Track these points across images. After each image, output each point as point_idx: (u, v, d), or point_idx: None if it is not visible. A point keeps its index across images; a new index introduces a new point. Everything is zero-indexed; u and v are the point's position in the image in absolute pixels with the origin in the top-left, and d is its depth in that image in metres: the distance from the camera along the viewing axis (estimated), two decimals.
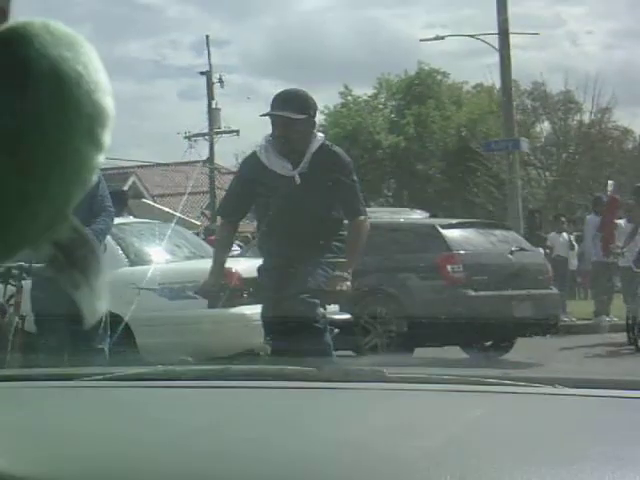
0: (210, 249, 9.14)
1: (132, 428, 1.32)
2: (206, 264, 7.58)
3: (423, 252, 9.62)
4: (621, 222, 12.19)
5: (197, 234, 14.48)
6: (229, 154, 49.53)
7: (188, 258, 8.27)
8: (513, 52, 18.27)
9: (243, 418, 1.39)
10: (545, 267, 11.18)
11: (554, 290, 10.96)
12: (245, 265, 7.40)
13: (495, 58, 18.88)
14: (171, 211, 25.63)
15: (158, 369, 1.81)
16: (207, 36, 30.85)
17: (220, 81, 29.91)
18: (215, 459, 1.11)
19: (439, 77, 37.59)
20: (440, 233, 9.74)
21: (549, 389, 1.49)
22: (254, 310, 7.22)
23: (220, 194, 29.93)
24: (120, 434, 1.26)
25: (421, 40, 25.69)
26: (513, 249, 10.38)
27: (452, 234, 9.89)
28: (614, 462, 1.02)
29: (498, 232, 10.93)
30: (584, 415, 1.37)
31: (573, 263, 15.09)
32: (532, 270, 10.45)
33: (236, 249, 12.90)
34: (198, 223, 23.40)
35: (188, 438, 1.21)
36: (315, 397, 1.57)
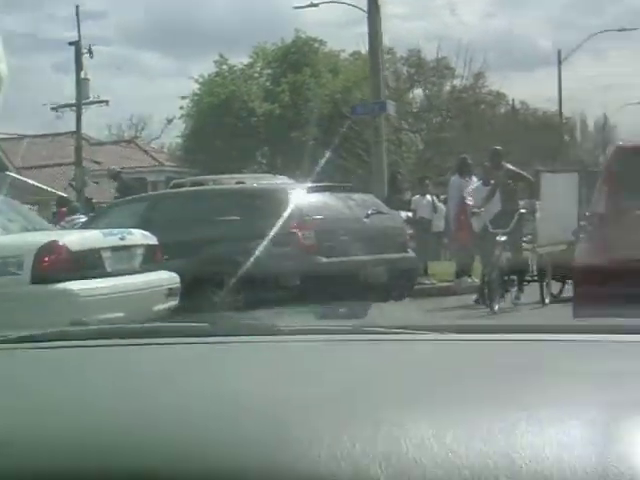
0: (45, 223, 8.81)
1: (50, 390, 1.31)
2: (34, 237, 7.33)
3: (275, 218, 9.06)
4: (477, 183, 12.39)
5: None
6: (102, 125, 48.41)
7: (15, 232, 7.91)
8: (393, 21, 18.37)
9: (132, 377, 1.39)
10: (402, 230, 11.14)
11: (410, 254, 11.00)
12: (75, 237, 7.12)
13: None
14: (37, 184, 24.96)
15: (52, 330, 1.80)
16: (77, 6, 30.42)
17: (89, 52, 29.31)
18: (105, 415, 1.11)
19: (316, 45, 37.55)
20: (291, 198, 9.58)
21: (436, 335, 1.54)
22: (82, 285, 7.01)
23: (90, 165, 29.39)
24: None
25: (295, 7, 25.57)
26: (369, 213, 10.32)
27: (305, 199, 9.75)
28: (501, 402, 1.07)
29: (356, 196, 10.82)
30: (472, 359, 1.41)
31: (439, 225, 15.20)
32: (388, 234, 10.46)
33: (82, 218, 12.46)
34: (65, 195, 22.71)
35: (85, 395, 1.23)
36: (206, 352, 1.58)
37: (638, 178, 7.16)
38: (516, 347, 1.47)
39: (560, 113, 38.65)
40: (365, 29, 18.46)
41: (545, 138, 37.75)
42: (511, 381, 1.20)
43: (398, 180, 15.98)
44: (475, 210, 11.71)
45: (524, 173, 12.55)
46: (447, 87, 34.85)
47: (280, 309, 6.75)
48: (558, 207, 11.53)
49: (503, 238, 10.79)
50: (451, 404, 1.08)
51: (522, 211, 11.39)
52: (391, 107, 19.09)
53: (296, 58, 36.02)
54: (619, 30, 35.69)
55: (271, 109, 35.08)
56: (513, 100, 41.10)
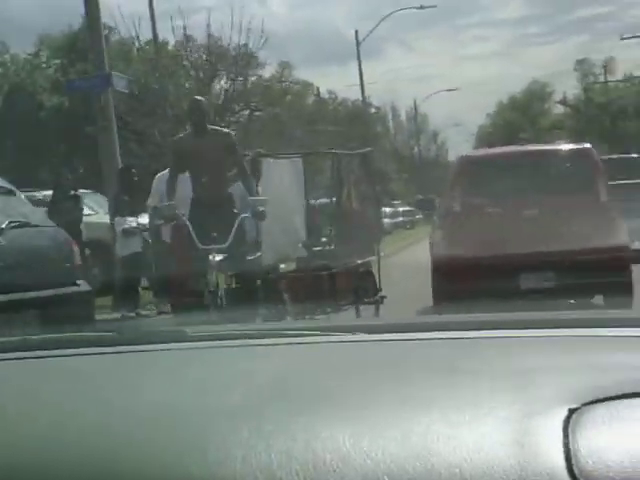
0: None
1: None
2: None
3: None
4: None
5: None
6: None
7: None
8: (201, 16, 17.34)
9: (41, 389, 1.39)
10: (69, 252, 7.83)
11: (82, 286, 7.72)
12: None
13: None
14: None
15: None
16: None
17: None
18: (8, 437, 1.13)
19: (106, 32, 37.30)
20: None
21: (348, 336, 1.63)
22: None
23: None
24: None
25: None
26: (4, 226, 7.27)
27: None
28: (416, 405, 1.11)
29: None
30: (385, 360, 1.44)
31: None
32: (38, 258, 7.33)
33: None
34: None
35: None
36: (114, 362, 1.58)
37: (480, 182, 9.16)
38: (427, 347, 1.51)
39: (363, 99, 40.32)
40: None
41: (357, 128, 39.28)
42: (425, 382, 1.24)
43: (131, 176, 12.56)
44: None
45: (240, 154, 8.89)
46: (253, 77, 35.61)
47: (191, 315, 6.59)
48: (285, 207, 9.04)
49: (219, 258, 7.71)
50: (366, 408, 1.13)
51: (244, 215, 7.97)
52: (120, 82, 16.60)
53: (85, 46, 35.71)
54: (419, 8, 37.86)
55: (61, 102, 34.64)
56: (318, 89, 42.51)
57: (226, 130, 9.37)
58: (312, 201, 10.74)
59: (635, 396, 1.05)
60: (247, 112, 34.71)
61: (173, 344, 1.67)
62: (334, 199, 10.36)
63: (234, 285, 8.11)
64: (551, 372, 1.21)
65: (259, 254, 8.49)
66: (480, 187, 9.26)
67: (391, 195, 47.21)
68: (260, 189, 8.76)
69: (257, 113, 34.70)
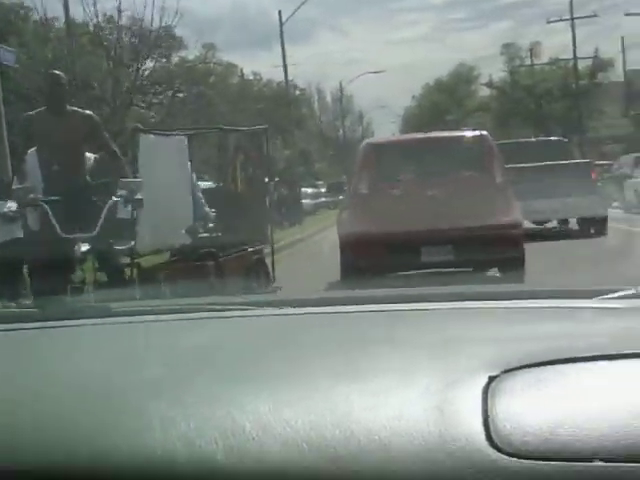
0: None
1: None
2: None
3: None
4: None
5: None
6: None
7: None
8: None
9: None
10: None
11: None
12: None
13: None
14: None
15: None
16: None
17: None
18: None
19: (22, 12, 37.08)
20: None
21: (272, 310, 1.69)
22: None
23: None
24: None
25: None
26: None
27: None
28: (337, 375, 1.15)
29: None
30: (307, 332, 1.50)
31: None
32: None
33: None
34: None
35: None
36: (35, 338, 1.60)
37: (382, 164, 10.16)
38: (346, 320, 1.57)
39: (286, 79, 40.63)
40: None
41: (282, 110, 39.74)
42: (346, 353, 1.28)
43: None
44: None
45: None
46: (176, 59, 35.79)
47: (112, 291, 6.46)
48: (167, 189, 8.25)
49: (84, 247, 7.16)
50: (287, 379, 1.17)
51: (115, 200, 7.31)
52: (8, 56, 15.37)
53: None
54: None
55: None
56: (242, 70, 42.80)
57: (88, 112, 8.28)
58: (199, 183, 9.90)
59: (550, 364, 1.09)
60: (170, 93, 34.94)
61: (96, 319, 1.71)
62: (223, 181, 9.98)
63: (102, 277, 7.60)
64: (470, 342, 1.25)
65: (133, 243, 7.59)
66: (383, 170, 10.27)
67: (315, 176, 47.69)
68: (138, 171, 7.92)
69: (180, 94, 34.94)
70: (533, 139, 22.27)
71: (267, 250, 9.46)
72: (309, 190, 38.80)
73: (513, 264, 9.10)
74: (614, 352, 1.10)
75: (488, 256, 8.92)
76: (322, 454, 0.98)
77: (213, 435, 1.01)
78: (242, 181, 9.60)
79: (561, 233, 16.86)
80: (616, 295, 1.52)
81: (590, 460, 0.92)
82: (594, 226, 16.34)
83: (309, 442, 0.99)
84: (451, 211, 9.41)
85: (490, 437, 0.97)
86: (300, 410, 1.05)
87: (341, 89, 60.83)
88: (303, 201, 34.13)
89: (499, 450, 0.95)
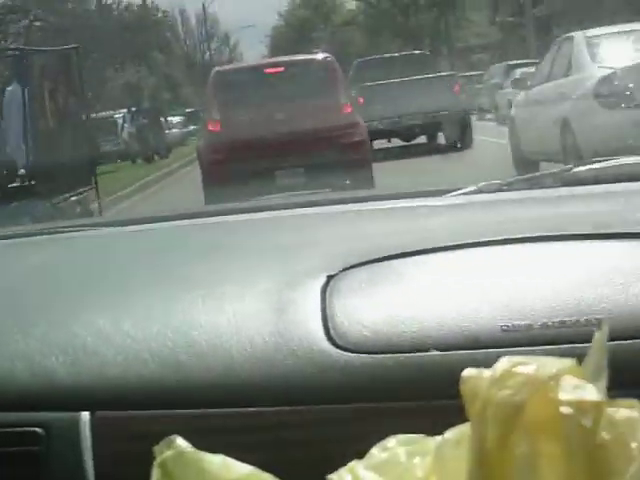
0: None
1: None
2: None
3: None
4: None
5: None
6: None
7: None
8: None
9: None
10: None
11: None
12: None
13: None
14: None
15: None
16: None
17: None
18: None
19: None
20: None
21: (109, 230, 1.70)
22: None
23: None
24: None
25: None
26: None
27: None
28: (178, 284, 1.19)
29: None
30: (144, 247, 1.54)
31: None
32: None
33: None
34: None
35: None
36: None
37: (232, 91, 10.77)
38: (189, 232, 1.61)
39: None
40: None
41: (145, 34, 39.30)
42: (186, 263, 1.30)
43: None
44: None
45: None
46: None
47: None
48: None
49: None
50: (125, 292, 1.20)
51: None
52: None
53: None
54: None
55: None
56: None
57: None
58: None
59: (388, 259, 1.12)
60: (27, 22, 34.12)
61: None
62: (30, 117, 8.86)
63: None
64: (311, 245, 1.28)
65: None
66: (232, 97, 10.87)
67: (184, 103, 47.21)
68: None
69: (37, 23, 34.15)
70: (396, 54, 22.51)
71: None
72: (175, 119, 36.99)
73: (363, 181, 9.91)
74: (449, 244, 1.14)
75: (338, 175, 9.66)
76: (164, 363, 1.01)
77: (53, 352, 1.03)
78: (51, 114, 8.95)
79: (428, 148, 17.20)
80: (458, 192, 1.56)
81: (427, 350, 0.95)
82: (460, 139, 16.59)
83: (150, 351, 1.02)
84: (300, 134, 10.09)
85: (329, 334, 0.99)
86: (140, 321, 1.08)
87: (204, 9, 60.14)
88: (171, 131, 32.98)
89: (338, 347, 0.98)
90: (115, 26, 37.10)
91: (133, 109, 26.78)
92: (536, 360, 0.55)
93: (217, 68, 12.33)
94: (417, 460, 0.57)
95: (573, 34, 10.67)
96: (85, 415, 0.99)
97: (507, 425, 0.52)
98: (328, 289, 1.07)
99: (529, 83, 11.72)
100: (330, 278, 1.09)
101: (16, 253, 1.62)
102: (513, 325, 0.97)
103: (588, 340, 0.88)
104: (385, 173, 10.99)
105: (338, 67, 11.24)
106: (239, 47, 73.57)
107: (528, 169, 9.43)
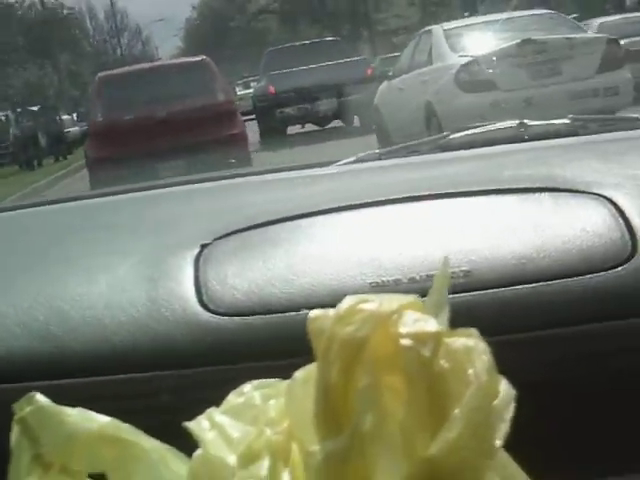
0: None
1: None
2: None
3: None
4: None
5: None
6: None
7: None
8: None
9: None
10: None
11: None
12: None
13: None
14: None
15: None
16: None
17: None
18: None
19: None
20: None
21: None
22: None
23: None
24: None
25: None
26: None
27: None
28: (48, 260, 1.24)
29: None
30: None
31: None
32: None
33: None
34: None
35: None
36: None
37: (116, 96, 12.17)
38: (73, 212, 1.64)
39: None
40: None
41: (52, 33, 38.79)
42: (59, 242, 1.35)
43: None
44: None
45: None
46: None
47: None
48: None
49: None
50: None
51: None
52: None
53: None
54: None
55: None
56: None
57: None
58: None
59: (261, 226, 1.17)
60: None
61: None
62: None
63: None
64: (187, 218, 1.32)
65: None
66: (115, 99, 12.24)
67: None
68: None
69: None
70: (307, 42, 22.86)
71: None
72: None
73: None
74: (321, 209, 1.19)
75: (216, 166, 10.56)
76: (36, 335, 1.04)
77: None
78: None
79: (344, 132, 17.44)
80: (338, 163, 1.62)
81: (298, 310, 1.00)
82: None
83: (21, 325, 1.06)
84: (181, 130, 11.44)
85: (202, 300, 1.04)
86: (10, 298, 1.12)
87: (112, 3, 59.59)
88: (73, 129, 31.11)
89: (210, 311, 1.03)
90: (17, 25, 36.54)
91: (18, 110, 25.07)
92: (379, 297, 0.57)
93: (100, 74, 13.53)
94: (272, 402, 0.60)
95: (431, 27, 12.15)
96: None
97: (350, 360, 0.54)
98: (202, 257, 1.11)
99: (390, 74, 13.04)
100: (204, 247, 1.13)
101: None
102: (382, 281, 1.02)
103: (455, 291, 0.92)
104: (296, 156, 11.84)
105: (214, 67, 12.67)
106: (152, 41, 73.08)
107: None
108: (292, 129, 18.35)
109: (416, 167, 1.54)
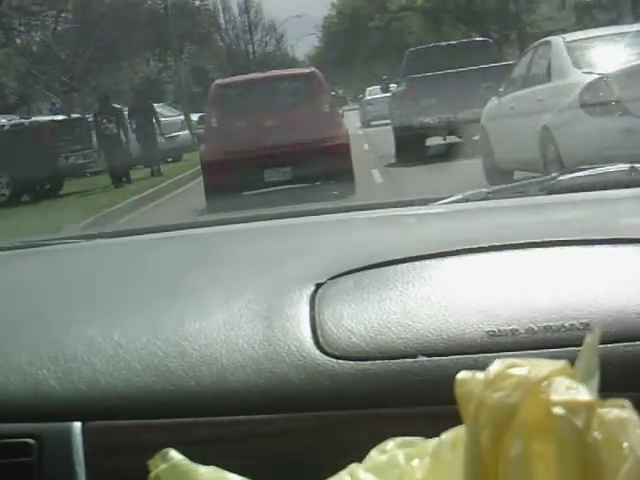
0: None
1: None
2: None
3: None
4: None
5: None
6: None
7: None
8: None
9: None
10: None
11: None
12: None
13: None
14: None
15: None
16: None
17: None
18: None
19: None
20: None
21: (96, 242, 1.84)
22: None
23: None
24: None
25: None
26: None
27: None
28: (167, 294, 1.31)
29: None
30: (130, 258, 1.66)
31: None
32: None
33: None
34: None
35: None
36: None
37: (231, 103, 13.66)
38: (181, 242, 1.74)
39: None
40: None
41: (183, 24, 39.58)
42: (173, 273, 1.43)
43: None
44: None
45: None
46: None
47: None
48: None
49: None
50: (115, 302, 1.30)
51: None
52: None
53: None
54: None
55: None
56: None
57: None
58: None
59: (375, 267, 1.23)
60: (54, 13, 34.48)
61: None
62: None
63: None
64: (299, 254, 1.39)
65: None
66: (230, 106, 13.69)
67: None
68: None
69: (63, 15, 34.47)
70: (453, 42, 22.04)
71: None
72: (196, 116, 32.25)
73: (343, 177, 12.55)
74: (435, 251, 1.24)
75: (321, 174, 12.65)
76: (155, 372, 1.09)
77: (44, 362, 1.12)
78: None
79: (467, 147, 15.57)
80: (445, 201, 1.67)
81: (414, 356, 1.04)
82: None
83: (140, 361, 1.10)
84: (288, 138, 12.59)
85: (318, 342, 1.08)
86: (129, 331, 1.17)
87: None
88: (185, 133, 27.79)
89: (327, 354, 1.06)
90: (148, 16, 37.24)
91: (96, 110, 20.36)
92: (528, 362, 0.59)
93: (217, 81, 15.13)
94: (415, 462, 0.63)
95: (550, 39, 10.89)
96: (77, 425, 1.05)
97: (501, 426, 0.57)
98: (317, 297, 1.17)
99: (500, 90, 11.94)
100: (319, 286, 1.19)
101: (4, 266, 1.72)
102: (499, 330, 1.05)
103: (573, 344, 0.94)
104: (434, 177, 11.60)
105: (323, 78, 14.01)
106: (286, 39, 73.72)
107: (502, 179, 9.94)
108: (431, 140, 17.40)
109: (524, 210, 1.59)
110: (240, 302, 1.19)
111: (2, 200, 18.16)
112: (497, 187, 1.76)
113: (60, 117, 22.90)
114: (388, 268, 1.22)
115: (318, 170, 12.44)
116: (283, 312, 1.14)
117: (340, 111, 15.30)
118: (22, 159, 17.70)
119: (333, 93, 16.41)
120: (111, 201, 15.34)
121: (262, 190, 12.68)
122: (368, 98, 39.99)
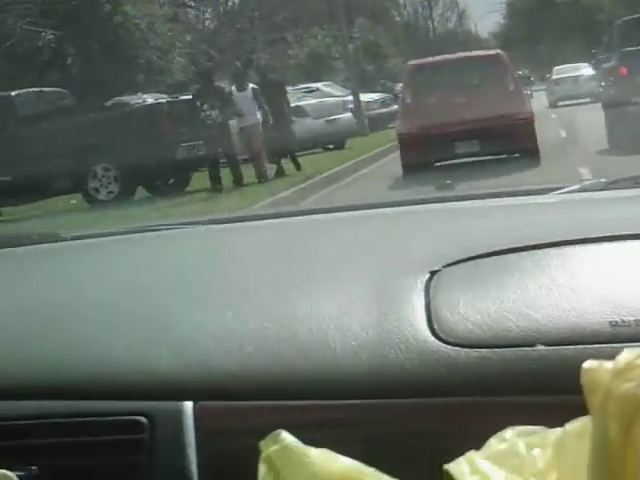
0: None
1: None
2: None
3: None
4: None
5: None
6: None
7: None
8: None
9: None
10: None
11: None
12: None
13: None
14: None
15: None
16: None
17: None
18: None
19: None
20: None
21: (210, 227, 1.89)
22: None
23: None
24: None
25: None
26: None
27: None
28: (278, 281, 1.35)
29: None
30: (249, 244, 1.69)
31: None
32: None
33: None
34: None
35: None
36: None
37: (424, 82, 15.57)
38: (285, 229, 1.78)
39: None
40: None
41: None
42: (290, 260, 1.47)
43: None
44: None
45: None
46: None
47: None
48: None
49: None
50: (225, 287, 1.38)
51: None
52: None
53: None
54: None
55: None
56: None
57: None
58: None
59: (491, 255, 1.25)
60: None
61: (47, 245, 1.92)
62: None
63: None
64: (413, 241, 1.42)
65: None
66: (424, 84, 15.56)
67: (392, 77, 45.81)
68: None
69: None
70: None
71: None
72: (375, 96, 32.29)
73: (527, 151, 14.42)
74: (555, 240, 1.26)
75: (506, 147, 14.66)
76: (267, 355, 1.13)
77: (157, 343, 1.20)
78: None
79: None
80: (563, 191, 1.69)
81: (533, 345, 1.05)
82: None
83: (253, 343, 1.15)
84: (476, 114, 14.13)
85: (433, 329, 1.11)
86: (240, 316, 1.22)
87: None
88: (367, 112, 27.64)
89: (443, 341, 1.09)
90: None
91: (253, 86, 17.13)
92: None
93: (411, 61, 17.45)
94: (536, 452, 0.62)
95: None
96: (188, 405, 1.10)
97: (631, 419, 0.55)
98: (431, 284, 1.19)
99: None
100: (433, 273, 1.21)
101: (110, 251, 1.81)
102: (622, 320, 1.04)
103: None
104: None
105: (507, 59, 15.94)
106: (469, 14, 72.90)
107: None
108: None
109: None
110: (354, 287, 1.23)
111: (110, 198, 16.02)
112: (615, 177, 1.76)
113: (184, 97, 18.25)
114: (507, 256, 1.24)
115: (503, 143, 14.33)
116: (397, 298, 1.17)
117: (528, 91, 16.80)
118: (136, 147, 15.58)
119: (520, 72, 17.52)
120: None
121: (453, 161, 14.71)
122: (555, 77, 39.55)
